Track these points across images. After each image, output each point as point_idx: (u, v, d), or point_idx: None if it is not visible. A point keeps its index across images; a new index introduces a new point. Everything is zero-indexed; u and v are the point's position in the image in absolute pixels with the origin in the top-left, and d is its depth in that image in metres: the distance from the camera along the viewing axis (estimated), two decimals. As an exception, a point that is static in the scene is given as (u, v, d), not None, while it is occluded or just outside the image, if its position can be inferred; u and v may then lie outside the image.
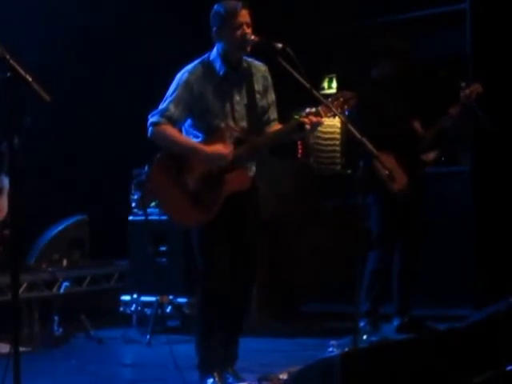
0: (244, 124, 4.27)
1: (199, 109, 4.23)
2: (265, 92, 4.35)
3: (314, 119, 4.11)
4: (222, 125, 4.23)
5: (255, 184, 4.37)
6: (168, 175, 4.24)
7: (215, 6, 4.27)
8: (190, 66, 4.29)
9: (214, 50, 4.29)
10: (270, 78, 4.38)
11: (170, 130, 4.22)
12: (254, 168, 4.37)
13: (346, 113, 4.26)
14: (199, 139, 4.27)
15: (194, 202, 4.18)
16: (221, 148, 4.16)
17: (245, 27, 4.16)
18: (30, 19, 6.68)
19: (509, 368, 3.31)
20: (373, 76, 5.69)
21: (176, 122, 4.25)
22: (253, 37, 4.16)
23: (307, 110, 4.15)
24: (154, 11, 7.30)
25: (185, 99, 4.21)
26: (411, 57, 5.66)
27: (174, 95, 4.22)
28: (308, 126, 4.11)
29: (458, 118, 5.51)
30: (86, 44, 7.05)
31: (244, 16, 4.18)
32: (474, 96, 5.46)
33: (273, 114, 4.38)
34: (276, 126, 4.36)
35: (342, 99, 4.18)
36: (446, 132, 5.64)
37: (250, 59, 4.34)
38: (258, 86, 4.32)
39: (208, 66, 4.27)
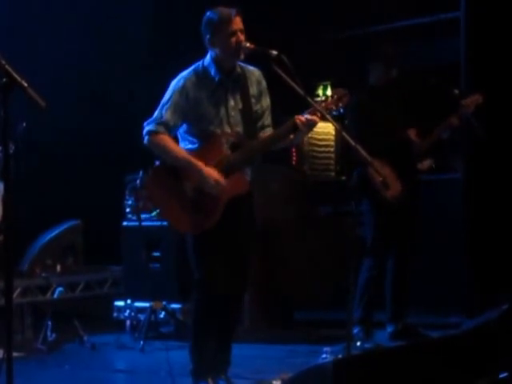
0: (239, 129, 4.26)
1: (194, 115, 4.22)
2: (259, 96, 4.33)
3: (309, 117, 4.10)
4: (218, 131, 4.22)
5: (251, 190, 4.34)
6: (166, 182, 4.23)
7: (207, 13, 4.25)
8: (185, 73, 4.28)
9: (208, 56, 4.28)
10: (264, 83, 4.36)
11: (166, 141, 4.19)
12: (249, 173, 4.34)
13: (341, 110, 4.25)
14: (195, 145, 4.26)
15: (194, 209, 4.16)
16: (217, 176, 4.12)
17: (239, 34, 4.16)
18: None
19: (502, 375, 3.32)
20: (370, 83, 5.70)
21: (172, 129, 4.23)
22: (248, 44, 4.16)
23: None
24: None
25: (180, 105, 4.21)
26: (407, 64, 5.68)
27: (169, 102, 4.21)
28: (301, 125, 4.08)
29: (455, 128, 5.53)
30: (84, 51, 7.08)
31: (237, 23, 4.17)
32: (473, 106, 5.46)
33: (267, 119, 4.36)
34: (270, 132, 4.33)
35: (335, 97, 4.18)
36: (442, 141, 5.66)
37: (243, 64, 4.33)
38: (252, 90, 4.31)
39: (203, 72, 4.26)
